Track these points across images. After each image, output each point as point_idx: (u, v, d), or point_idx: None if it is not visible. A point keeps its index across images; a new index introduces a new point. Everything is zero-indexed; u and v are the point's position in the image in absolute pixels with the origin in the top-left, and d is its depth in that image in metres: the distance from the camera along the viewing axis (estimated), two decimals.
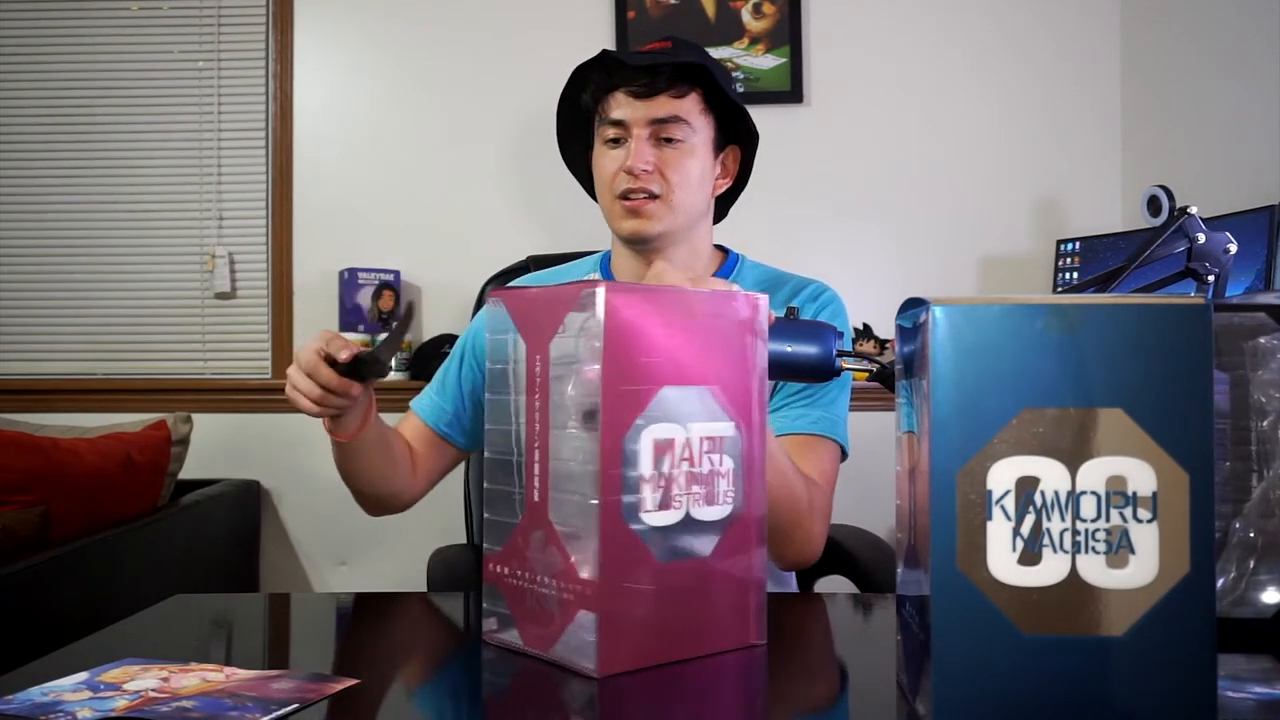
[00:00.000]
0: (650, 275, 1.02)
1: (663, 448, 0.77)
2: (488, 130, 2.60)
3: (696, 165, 1.23)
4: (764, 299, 0.84)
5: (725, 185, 1.31)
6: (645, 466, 0.76)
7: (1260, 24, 2.06)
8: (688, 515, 0.78)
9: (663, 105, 1.21)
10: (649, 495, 0.76)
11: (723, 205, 1.35)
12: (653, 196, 1.22)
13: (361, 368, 0.96)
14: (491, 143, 2.60)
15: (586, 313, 0.75)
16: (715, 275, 1.29)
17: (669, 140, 1.22)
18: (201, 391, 2.59)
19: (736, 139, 1.30)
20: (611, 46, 2.56)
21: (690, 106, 1.22)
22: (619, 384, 0.74)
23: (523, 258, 2.20)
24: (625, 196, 1.22)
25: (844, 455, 1.24)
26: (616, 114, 1.22)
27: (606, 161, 1.25)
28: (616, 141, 1.24)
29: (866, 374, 0.96)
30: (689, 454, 0.78)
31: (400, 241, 2.61)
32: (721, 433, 0.79)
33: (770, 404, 1.21)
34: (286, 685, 0.72)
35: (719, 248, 1.36)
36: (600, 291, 0.74)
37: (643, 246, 1.26)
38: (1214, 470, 0.60)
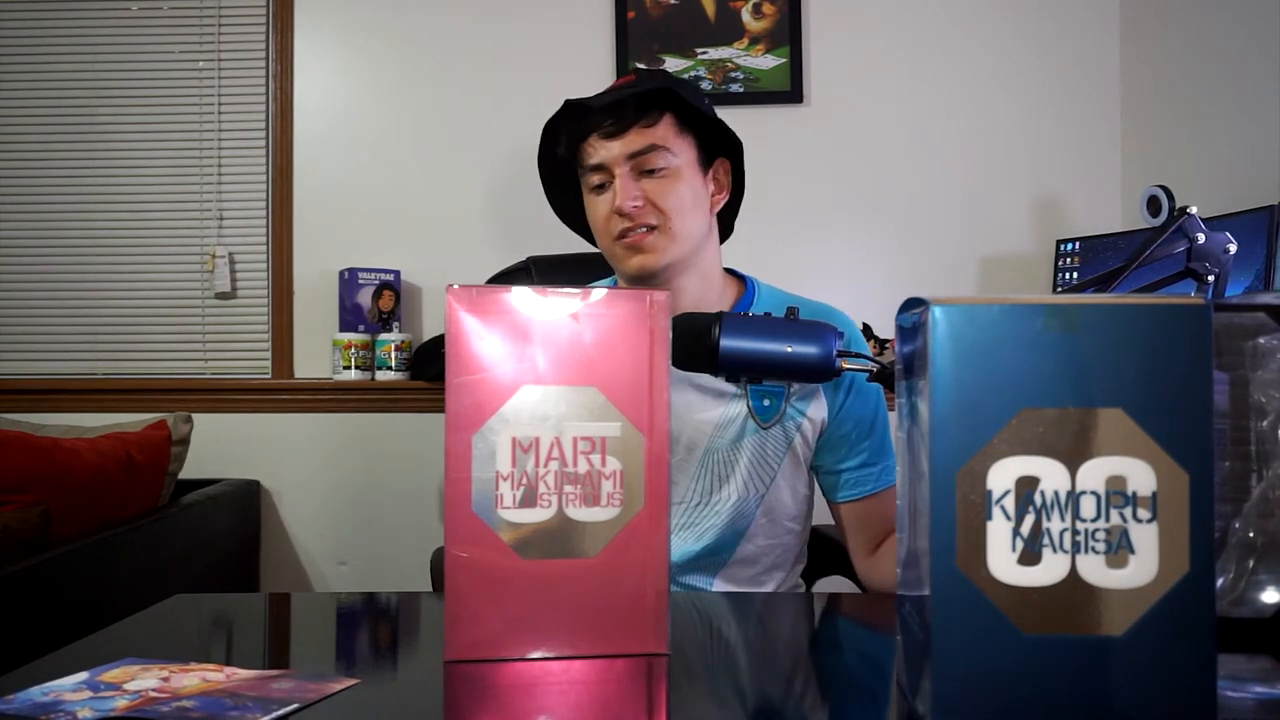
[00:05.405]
0: None
1: (525, 446, 0.76)
2: (489, 130, 2.59)
3: (686, 188, 1.19)
4: (664, 297, 0.80)
5: (723, 200, 1.26)
6: (503, 464, 0.76)
7: (1260, 24, 2.06)
8: (561, 514, 0.77)
9: (636, 138, 1.17)
10: (507, 492, 0.76)
11: (726, 219, 1.31)
12: (651, 229, 1.18)
13: None
14: (492, 142, 2.59)
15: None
16: (733, 307, 1.26)
17: (652, 171, 1.18)
18: (201, 391, 2.59)
19: (723, 151, 1.25)
20: (612, 47, 2.56)
21: (665, 132, 1.18)
22: (463, 385, 0.76)
23: (523, 258, 2.20)
24: (623, 236, 1.19)
25: None
26: (594, 159, 1.19)
27: (597, 207, 1.21)
28: (601, 186, 1.20)
29: (867, 374, 0.96)
30: (559, 453, 0.77)
31: (400, 241, 2.61)
32: (604, 433, 0.77)
33: (839, 471, 1.25)
34: (286, 685, 0.72)
35: (736, 275, 1.32)
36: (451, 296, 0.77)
37: (652, 282, 1.21)
38: (1214, 470, 0.60)
